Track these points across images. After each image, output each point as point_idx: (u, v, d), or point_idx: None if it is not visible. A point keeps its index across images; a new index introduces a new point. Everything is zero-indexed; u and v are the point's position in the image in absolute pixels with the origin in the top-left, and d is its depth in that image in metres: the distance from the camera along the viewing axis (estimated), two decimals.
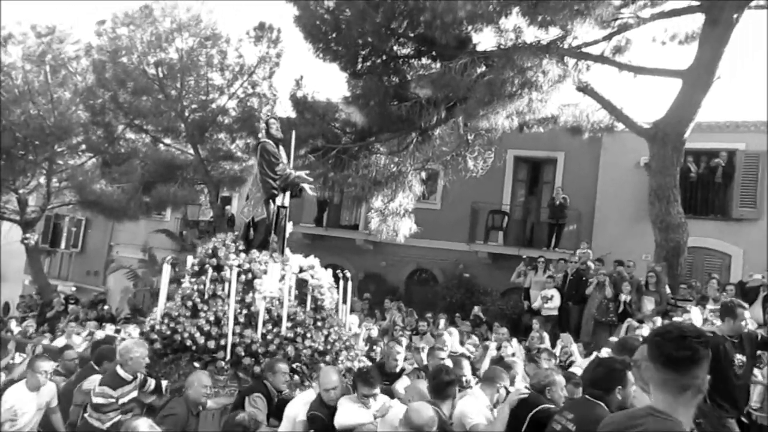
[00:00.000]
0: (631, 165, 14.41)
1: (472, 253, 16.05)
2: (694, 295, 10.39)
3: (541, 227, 15.98)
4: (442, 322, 11.34)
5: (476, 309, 13.12)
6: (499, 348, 8.42)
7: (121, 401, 4.85)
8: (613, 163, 14.96)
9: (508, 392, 4.56)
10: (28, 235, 18.00)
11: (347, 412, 4.49)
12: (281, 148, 7.15)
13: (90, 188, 17.05)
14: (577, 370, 6.13)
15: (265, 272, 6.30)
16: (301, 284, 6.61)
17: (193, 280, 6.53)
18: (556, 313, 11.62)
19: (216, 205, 17.83)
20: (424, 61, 12.41)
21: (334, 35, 11.83)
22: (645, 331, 8.23)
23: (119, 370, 4.97)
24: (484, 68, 11.11)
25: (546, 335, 9.92)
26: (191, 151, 17.54)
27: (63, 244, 23.46)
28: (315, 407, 4.65)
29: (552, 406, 4.10)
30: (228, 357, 5.80)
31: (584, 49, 11.57)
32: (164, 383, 5.49)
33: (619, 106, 11.88)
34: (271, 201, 6.94)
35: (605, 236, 14.33)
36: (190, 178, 18.03)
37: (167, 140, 18.16)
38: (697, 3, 10.78)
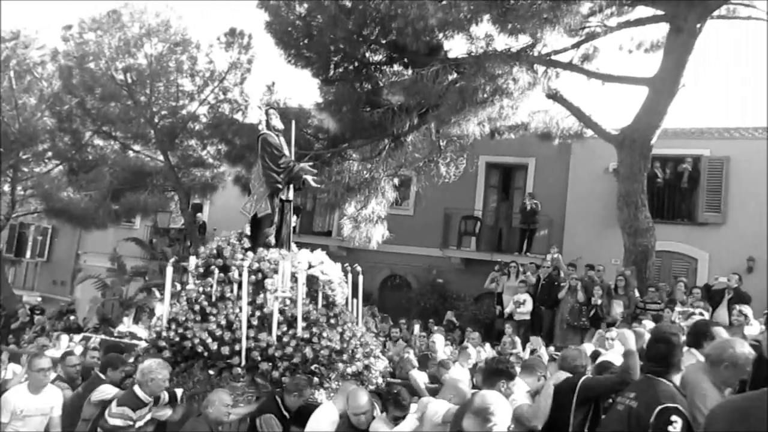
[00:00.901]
0: (600, 171, 14.65)
1: (445, 258, 16.12)
2: (663, 298, 10.57)
3: (513, 232, 16.13)
4: (416, 327, 11.34)
5: (449, 314, 13.16)
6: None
7: (138, 425, 4.62)
8: (582, 169, 15.19)
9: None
10: None
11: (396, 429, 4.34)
12: (282, 139, 6.86)
13: (57, 196, 16.67)
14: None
15: (276, 271, 5.98)
16: (311, 281, 6.28)
17: (197, 282, 6.22)
18: (528, 317, 11.72)
19: (187, 212, 17.60)
20: (396, 67, 12.49)
21: (305, 41, 11.82)
22: (614, 334, 8.34)
23: (138, 390, 4.69)
24: (455, 75, 11.23)
25: (518, 340, 10.00)
26: (161, 157, 17.30)
27: (28, 254, 22.90)
28: (347, 430, 4.49)
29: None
30: (243, 362, 5.51)
31: (553, 57, 11.76)
32: (179, 392, 5.24)
33: (587, 113, 12.08)
34: (274, 195, 6.64)
35: (576, 241, 14.53)
36: (160, 185, 17.77)
37: (136, 147, 17.89)
38: (662, 12, 11.04)
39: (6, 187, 18.06)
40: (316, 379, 5.52)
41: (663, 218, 13.83)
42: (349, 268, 7.00)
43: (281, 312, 5.82)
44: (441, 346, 8.73)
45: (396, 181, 13.48)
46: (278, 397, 5.02)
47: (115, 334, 10.74)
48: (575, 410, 3.99)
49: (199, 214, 18.77)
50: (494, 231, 16.68)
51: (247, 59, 16.74)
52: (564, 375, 4.28)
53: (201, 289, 6.10)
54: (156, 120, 16.92)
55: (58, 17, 33.76)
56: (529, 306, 11.69)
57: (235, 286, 5.94)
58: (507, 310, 12.14)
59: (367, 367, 5.96)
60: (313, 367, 5.56)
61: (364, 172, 13.15)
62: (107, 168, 17.30)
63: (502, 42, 10.76)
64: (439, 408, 4.12)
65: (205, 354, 5.56)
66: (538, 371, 4.58)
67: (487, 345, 9.27)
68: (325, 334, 5.79)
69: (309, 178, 6.85)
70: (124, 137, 17.51)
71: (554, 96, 11.98)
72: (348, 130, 12.44)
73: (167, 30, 16.65)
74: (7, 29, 17.49)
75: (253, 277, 5.94)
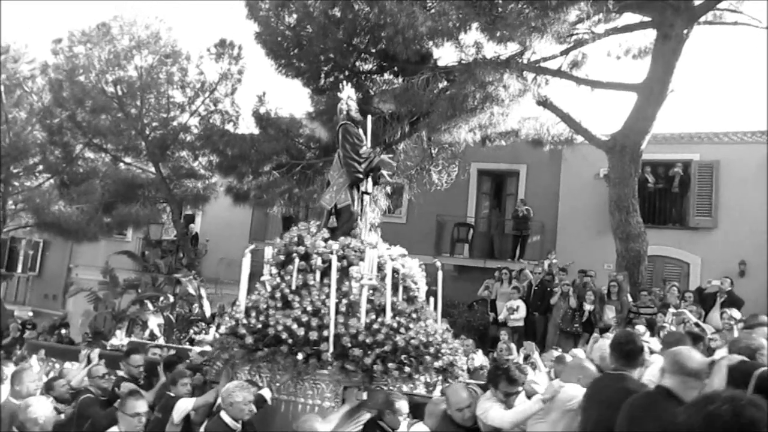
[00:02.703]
0: (591, 177, 14.71)
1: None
2: (656, 302, 10.60)
3: (505, 239, 16.16)
4: None
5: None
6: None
7: None
8: (573, 175, 15.25)
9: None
10: None
11: (513, 410, 4.18)
12: (360, 129, 6.78)
13: (48, 210, 16.57)
14: (540, 377, 6.11)
15: (362, 259, 5.82)
16: (393, 273, 6.02)
17: (275, 271, 6.08)
18: (522, 324, 11.72)
19: (179, 224, 17.53)
20: (386, 76, 12.54)
21: (295, 51, 11.86)
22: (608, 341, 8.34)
23: (225, 416, 4.55)
24: (445, 83, 11.28)
25: (513, 346, 9.99)
26: (152, 169, 17.24)
27: (20, 268, 22.72)
28: (449, 429, 4.30)
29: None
30: (332, 349, 5.29)
31: (543, 64, 11.84)
32: (266, 393, 5.13)
33: (577, 119, 12.16)
34: (354, 186, 6.53)
35: (568, 247, 14.56)
36: (152, 196, 17.70)
37: (128, 159, 17.82)
38: (649, 19, 11.14)
39: None
40: (407, 370, 5.31)
41: (654, 223, 13.90)
42: (426, 265, 6.80)
43: (369, 301, 5.66)
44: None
45: (388, 188, 13.49)
46: (379, 421, 4.77)
47: (108, 348, 10.66)
48: None
49: (191, 225, 18.69)
50: (487, 238, 16.71)
51: (237, 70, 16.75)
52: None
53: (284, 277, 5.94)
54: (147, 132, 16.88)
55: (48, 31, 33.75)
56: (522, 312, 11.69)
57: (317, 274, 5.84)
58: (501, 317, 12.14)
59: (451, 364, 5.72)
60: (402, 358, 5.34)
61: None
62: (98, 181, 17.21)
63: (492, 50, 10.84)
64: (575, 393, 3.94)
65: (290, 341, 5.34)
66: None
67: (480, 352, 9.25)
68: (411, 326, 5.63)
69: (385, 172, 6.75)
70: (115, 149, 17.45)
71: (544, 103, 12.05)
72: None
73: (157, 42, 16.65)
74: None
75: (338, 264, 5.77)
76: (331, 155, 12.83)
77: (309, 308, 5.52)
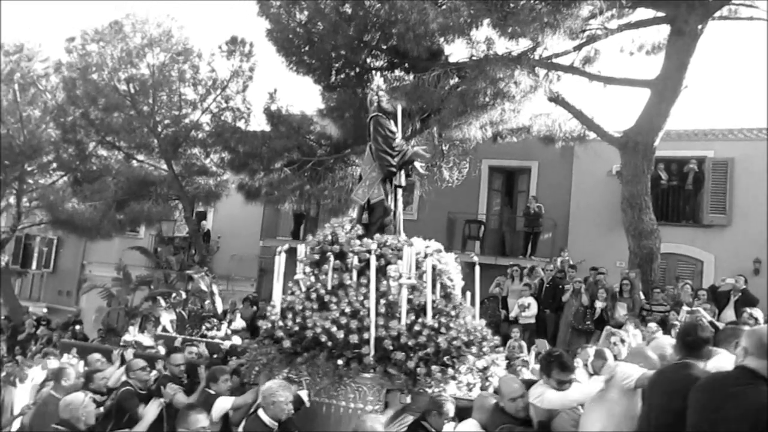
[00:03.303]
0: (603, 173, 14.61)
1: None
2: (669, 300, 10.51)
3: (516, 236, 16.10)
4: None
5: None
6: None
7: None
8: (585, 172, 15.16)
9: None
10: None
11: (573, 389, 4.11)
12: (391, 122, 6.60)
13: (61, 207, 16.74)
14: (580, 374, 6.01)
15: (400, 257, 5.62)
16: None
17: (308, 270, 5.93)
18: (533, 321, 11.66)
19: (191, 221, 17.63)
20: (397, 73, 12.51)
21: (306, 48, 11.88)
22: (620, 337, 8.30)
23: (263, 415, 4.47)
24: (456, 79, 11.25)
25: (524, 344, 9.95)
26: (165, 167, 17.35)
27: (34, 265, 22.94)
28: (502, 420, 4.19)
29: None
30: (373, 352, 5.13)
31: (554, 60, 11.77)
32: (304, 394, 5.04)
33: (590, 115, 12.08)
34: (387, 180, 6.34)
35: (580, 244, 14.48)
36: (164, 194, 17.79)
37: (140, 156, 17.93)
38: (663, 14, 11.04)
39: (11, 199, 18.17)
40: (450, 372, 5.18)
41: (668, 220, 13.79)
42: (461, 259, 6.62)
43: (408, 301, 5.48)
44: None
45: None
46: (423, 422, 4.68)
47: (121, 344, 10.75)
48: None
49: (203, 222, 18.79)
50: (498, 235, 16.66)
51: (248, 67, 16.78)
52: None
53: (312, 278, 5.82)
54: (159, 129, 16.98)
55: (61, 29, 34.04)
56: (533, 309, 11.63)
57: (354, 273, 5.67)
58: (512, 314, 12.08)
59: (493, 362, 5.57)
60: (445, 359, 5.21)
61: None
62: (111, 178, 17.35)
63: (503, 46, 10.79)
64: (630, 372, 3.87)
65: (329, 344, 5.22)
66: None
67: None
68: (452, 325, 5.46)
69: (418, 164, 6.60)
70: (128, 147, 17.56)
71: (556, 99, 11.98)
72: (350, 136, 12.49)
73: (169, 40, 16.73)
74: (10, 42, 17.64)
75: (375, 263, 5.59)
76: (343, 152, 12.97)
77: (347, 310, 5.36)
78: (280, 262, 6.09)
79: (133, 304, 15.98)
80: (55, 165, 18.42)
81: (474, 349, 5.41)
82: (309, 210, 16.68)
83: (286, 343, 5.33)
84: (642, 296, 10.68)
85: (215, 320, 12.75)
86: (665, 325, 8.81)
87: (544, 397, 4.14)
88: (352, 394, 5.17)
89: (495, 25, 9.94)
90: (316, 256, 5.93)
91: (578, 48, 11.84)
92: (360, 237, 5.95)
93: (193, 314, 13.53)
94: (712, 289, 10.88)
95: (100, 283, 17.77)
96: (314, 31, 11.74)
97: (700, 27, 10.37)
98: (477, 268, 6.36)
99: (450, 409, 4.61)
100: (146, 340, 10.87)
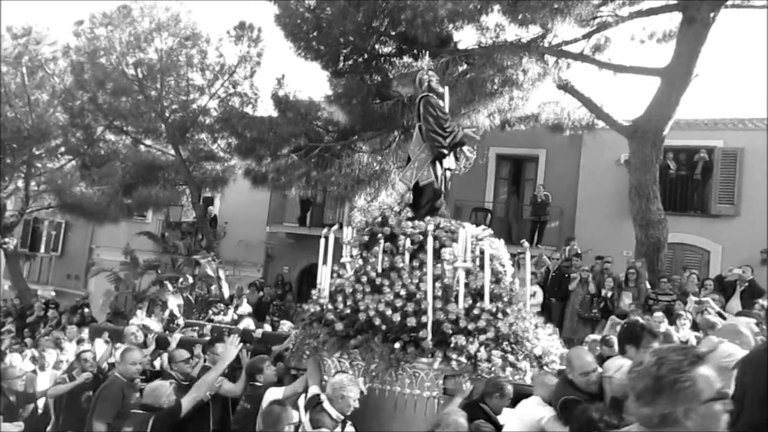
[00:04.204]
0: (611, 162, 14.54)
1: None
2: (675, 290, 10.51)
3: (523, 224, 16.07)
4: None
5: None
6: None
7: None
8: (593, 161, 15.09)
9: None
10: (6, 240, 17.72)
11: None
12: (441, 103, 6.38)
13: (69, 191, 16.82)
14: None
15: (455, 240, 5.45)
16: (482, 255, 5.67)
17: (355, 253, 5.82)
18: (539, 309, 11.67)
19: (198, 206, 17.70)
20: (405, 59, 12.46)
21: (315, 34, 11.83)
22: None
23: (329, 408, 4.32)
24: (465, 66, 11.18)
25: None
26: (172, 152, 17.40)
27: (42, 248, 23.11)
28: (569, 394, 3.95)
29: None
30: (430, 336, 4.96)
31: (564, 48, 11.68)
32: (360, 382, 4.85)
33: (599, 103, 11.99)
34: (437, 162, 6.15)
35: (586, 233, 14.44)
36: (172, 179, 17.87)
37: (148, 141, 18.00)
38: (675, 2, 10.92)
39: (20, 183, 18.24)
40: (510, 358, 5.00)
41: (675, 210, 13.72)
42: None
43: (465, 285, 5.28)
44: None
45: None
46: (482, 404, 4.53)
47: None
48: None
49: (210, 208, 18.86)
50: (505, 223, 16.61)
51: (256, 52, 16.78)
52: None
53: (360, 260, 5.69)
54: (167, 114, 17.01)
55: (70, 13, 33.98)
56: (539, 298, 11.63)
57: (407, 256, 5.50)
58: None
59: (548, 350, 5.37)
60: (504, 344, 5.05)
61: (374, 164, 13.17)
62: (119, 163, 17.43)
63: (513, 32, 10.71)
64: (733, 351, 3.75)
65: (383, 327, 5.08)
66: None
67: None
68: (508, 310, 5.29)
69: (465, 149, 6.41)
70: (136, 132, 17.62)
71: (565, 87, 11.90)
72: (358, 123, 12.45)
73: (177, 24, 16.72)
74: (18, 25, 17.65)
75: (432, 245, 5.39)
76: (350, 139, 12.95)
77: (402, 292, 5.20)
78: (327, 245, 5.85)
79: (140, 289, 16.08)
80: (63, 149, 18.47)
81: (530, 335, 5.26)
82: (316, 196, 16.69)
83: (339, 326, 5.22)
84: (648, 285, 10.68)
85: (222, 305, 12.84)
86: (670, 315, 8.81)
87: (625, 369, 3.89)
88: (408, 380, 5.01)
89: (505, 12, 9.87)
90: (366, 238, 5.76)
91: (588, 35, 11.74)
92: (409, 219, 5.78)
93: (200, 299, 13.64)
94: (719, 279, 10.86)
95: (108, 267, 17.90)
96: (323, 17, 11.68)
97: (712, 15, 10.25)
98: (527, 255, 6.27)
99: (510, 391, 4.52)
100: (153, 324, 10.96)
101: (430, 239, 5.24)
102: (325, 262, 5.85)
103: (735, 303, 9.44)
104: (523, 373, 4.98)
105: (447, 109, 6.45)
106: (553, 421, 3.88)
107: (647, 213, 11.32)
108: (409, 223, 5.66)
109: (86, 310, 15.71)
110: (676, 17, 11.16)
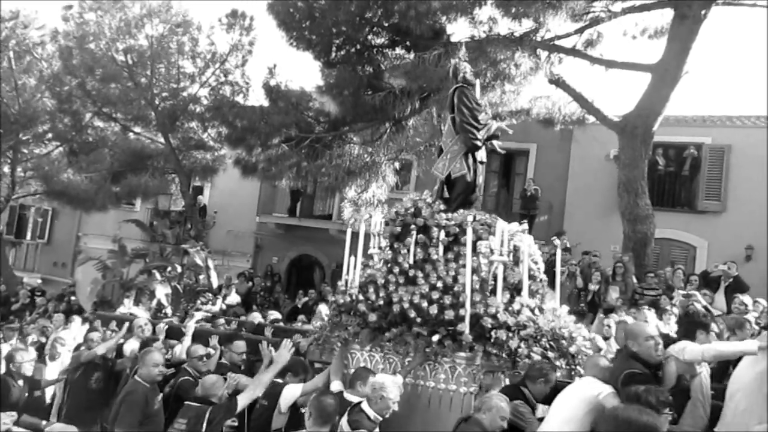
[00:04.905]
0: (601, 157, 14.63)
1: None
2: (661, 285, 10.61)
3: (513, 218, 16.04)
4: None
5: None
6: None
7: None
8: (583, 156, 15.17)
9: None
10: None
11: (719, 343, 4.10)
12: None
13: (57, 178, 16.68)
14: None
15: (491, 233, 5.31)
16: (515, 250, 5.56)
17: (384, 244, 5.69)
18: None
19: (188, 195, 17.60)
20: (398, 51, 12.43)
21: (307, 24, 11.75)
22: (612, 320, 8.40)
23: (367, 408, 4.16)
24: (457, 59, 11.15)
25: None
26: (162, 140, 17.27)
27: (29, 235, 22.89)
28: (632, 367, 3.94)
29: None
30: (468, 330, 4.80)
31: (556, 42, 11.69)
32: (399, 378, 4.73)
33: (590, 98, 12.04)
34: (470, 155, 6.02)
35: (575, 227, 14.53)
36: (161, 167, 17.76)
37: (137, 129, 17.85)
38: None
39: (6, 169, 18.06)
40: (551, 354, 4.89)
41: (663, 206, 13.86)
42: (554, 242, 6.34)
43: (496, 278, 5.15)
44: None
45: (397, 164, 13.47)
46: (522, 387, 4.49)
47: (88, 315, 10.82)
48: None
49: (199, 197, 18.76)
50: None
51: (248, 41, 16.64)
52: None
53: (389, 251, 5.58)
54: (157, 102, 16.86)
55: None
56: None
57: (441, 248, 5.39)
58: None
59: (580, 350, 5.25)
60: (543, 341, 4.93)
61: (365, 155, 13.15)
62: (107, 150, 17.29)
63: (506, 26, 10.71)
64: None
65: (418, 320, 4.96)
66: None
67: None
68: (544, 306, 5.21)
69: (496, 143, 6.31)
70: (125, 119, 17.47)
71: (556, 81, 11.93)
72: (349, 114, 12.42)
73: (168, 11, 16.54)
74: (6, 9, 17.40)
75: (464, 239, 5.26)
76: (341, 130, 12.91)
77: (439, 284, 5.07)
78: (359, 234, 5.74)
79: (128, 277, 16.00)
80: (50, 135, 18.29)
81: (566, 333, 5.15)
82: (306, 187, 16.67)
83: (372, 318, 5.09)
84: (635, 280, 10.78)
85: (210, 295, 12.81)
86: (657, 309, 8.91)
87: (687, 349, 4.03)
88: (444, 375, 4.86)
89: (498, 5, 9.89)
90: (398, 229, 5.62)
91: (581, 31, 11.76)
92: (443, 212, 5.66)
93: (188, 288, 13.61)
94: (704, 274, 10.98)
95: (95, 255, 17.79)
96: (315, 6, 11.61)
97: (703, 12, 10.31)
98: (558, 252, 6.13)
99: (554, 379, 4.50)
100: (141, 312, 10.92)
101: (469, 231, 5.10)
102: (353, 253, 5.73)
103: (719, 298, 9.55)
104: (560, 371, 4.91)
105: (478, 97, 6.35)
106: (612, 396, 3.86)
107: (635, 208, 11.41)
108: (443, 215, 5.55)
109: (73, 298, 15.62)
110: (668, 13, 11.21)
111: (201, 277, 13.93)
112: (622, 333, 5.74)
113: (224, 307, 12.10)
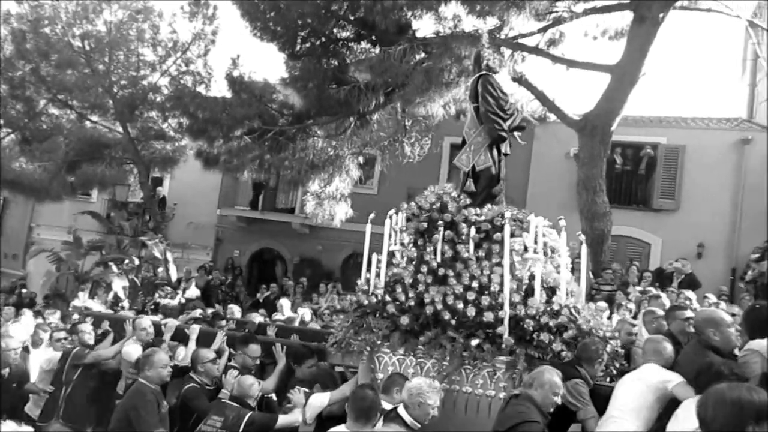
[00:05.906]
0: (561, 155, 14.89)
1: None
2: (616, 281, 10.87)
3: None
4: None
5: None
6: None
7: None
8: (544, 153, 15.40)
9: None
10: None
11: None
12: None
13: (8, 166, 16.12)
14: None
15: (525, 230, 5.08)
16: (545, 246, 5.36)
17: (407, 241, 5.42)
18: None
19: (146, 186, 17.24)
20: (363, 45, 12.39)
21: (272, 14, 11.61)
22: None
23: (404, 414, 3.91)
24: (422, 55, 11.21)
25: None
26: (120, 129, 16.85)
27: None
28: (705, 354, 3.78)
29: None
30: (507, 332, 4.57)
31: (520, 41, 11.82)
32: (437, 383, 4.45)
33: (551, 97, 12.21)
34: (494, 146, 5.70)
35: None
36: (119, 157, 17.34)
37: (94, 117, 17.37)
38: (627, 1, 11.20)
39: None
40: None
41: (620, 203, 14.18)
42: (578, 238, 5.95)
43: (532, 277, 4.93)
44: None
45: (360, 159, 13.45)
46: (579, 367, 4.31)
47: (70, 309, 10.50)
48: None
49: (159, 188, 18.42)
50: None
51: (211, 30, 16.36)
52: None
53: (412, 248, 5.33)
54: (115, 90, 16.44)
55: None
56: None
57: (471, 245, 5.08)
58: None
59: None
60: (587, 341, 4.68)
61: (329, 149, 13.08)
62: (63, 138, 16.78)
63: (470, 23, 10.78)
64: None
65: (452, 322, 4.69)
66: None
67: None
68: (580, 306, 4.94)
69: (517, 134, 5.98)
70: (81, 107, 16.97)
71: (519, 79, 12.06)
72: (313, 107, 12.33)
73: None
74: None
75: (498, 235, 4.99)
76: (305, 123, 12.82)
77: (474, 284, 4.79)
78: (386, 231, 5.44)
79: (83, 269, 15.61)
80: (1, 122, 17.64)
81: (601, 334, 4.89)
82: (268, 180, 16.51)
83: (404, 320, 4.80)
84: (591, 276, 11.02)
85: (169, 288, 12.60)
86: (612, 304, 9.14)
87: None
88: (482, 380, 4.61)
89: (463, 2, 9.91)
90: (425, 224, 5.32)
91: (544, 30, 11.92)
92: (468, 207, 5.36)
93: (146, 281, 13.36)
94: (659, 271, 11.31)
95: (49, 247, 17.28)
96: None
97: (661, 15, 10.56)
98: (584, 247, 5.72)
99: (606, 359, 4.41)
100: (96, 306, 10.68)
101: (507, 227, 4.84)
102: (376, 250, 5.43)
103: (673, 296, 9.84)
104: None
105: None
106: (683, 385, 3.71)
107: (593, 206, 11.65)
108: (472, 210, 5.25)
109: (23, 290, 15.17)
110: (628, 15, 11.46)
111: (159, 270, 13.69)
112: (654, 323, 5.57)
113: (183, 300, 11.92)
